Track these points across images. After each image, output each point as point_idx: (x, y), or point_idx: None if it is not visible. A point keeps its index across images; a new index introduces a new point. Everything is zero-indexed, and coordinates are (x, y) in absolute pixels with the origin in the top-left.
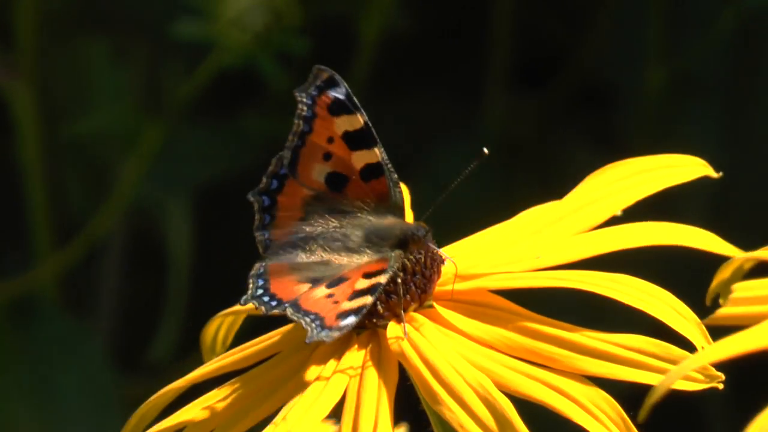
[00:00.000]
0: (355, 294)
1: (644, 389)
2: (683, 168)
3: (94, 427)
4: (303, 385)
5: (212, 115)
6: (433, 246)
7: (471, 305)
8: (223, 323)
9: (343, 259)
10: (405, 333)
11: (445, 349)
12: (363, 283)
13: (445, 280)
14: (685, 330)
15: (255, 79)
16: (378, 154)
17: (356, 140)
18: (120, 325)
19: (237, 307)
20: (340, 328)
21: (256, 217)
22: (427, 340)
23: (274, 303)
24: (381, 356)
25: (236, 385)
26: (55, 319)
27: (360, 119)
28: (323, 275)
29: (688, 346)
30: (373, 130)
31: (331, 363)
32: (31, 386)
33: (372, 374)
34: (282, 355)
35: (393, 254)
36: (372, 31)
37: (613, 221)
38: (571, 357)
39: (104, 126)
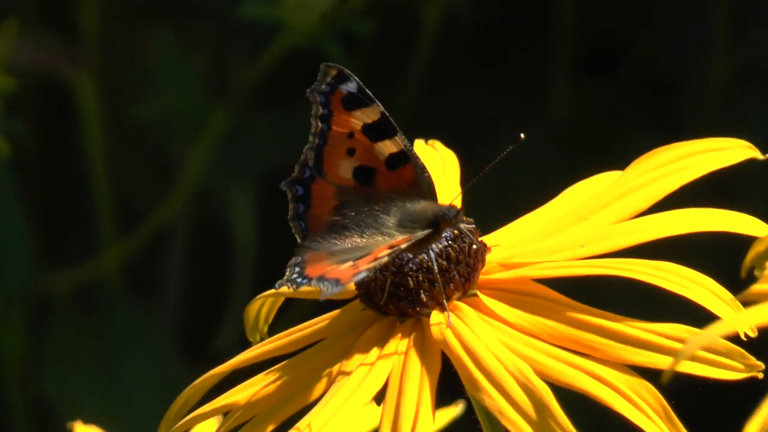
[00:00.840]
0: (375, 260)
1: (686, 379)
2: (728, 151)
3: (160, 414)
4: (347, 372)
5: (277, 103)
6: (466, 227)
7: (514, 294)
8: (265, 302)
9: (374, 242)
10: (448, 321)
11: (487, 337)
12: (384, 252)
13: (489, 269)
14: (727, 317)
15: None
16: (400, 142)
17: (376, 131)
18: (185, 314)
19: (278, 290)
20: (351, 281)
21: (290, 206)
22: (470, 329)
23: (303, 281)
24: (424, 344)
25: (281, 371)
26: (121, 307)
27: (376, 110)
28: (354, 256)
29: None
30: (390, 119)
31: (375, 350)
32: (97, 374)
33: (415, 361)
34: (327, 341)
35: (422, 233)
36: (433, 16)
37: (658, 207)
38: (612, 346)
39: (168, 111)
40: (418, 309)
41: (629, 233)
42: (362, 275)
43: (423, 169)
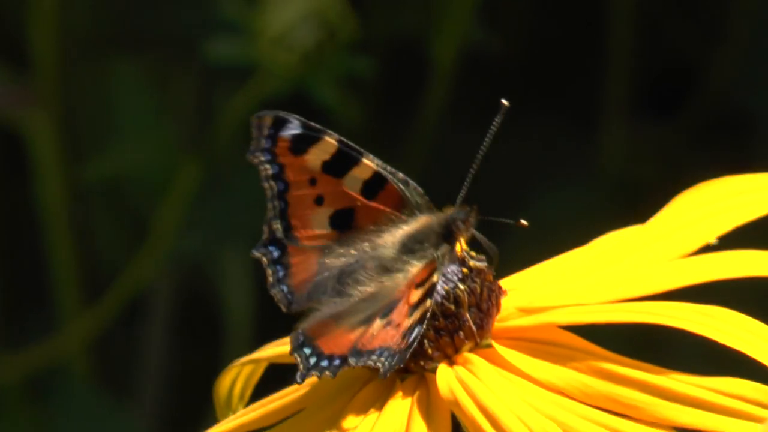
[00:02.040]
0: (413, 308)
1: None
2: None
3: None
4: None
5: None
6: (478, 265)
7: (537, 343)
8: (240, 374)
9: (386, 283)
10: (458, 377)
11: (507, 395)
12: (417, 294)
13: (506, 315)
14: None
15: (315, 105)
16: (369, 164)
17: (339, 165)
18: (165, 401)
19: (257, 355)
20: (409, 346)
21: (268, 272)
22: (485, 385)
23: (336, 363)
24: (430, 405)
25: None
26: (85, 394)
27: (331, 141)
28: (373, 309)
29: None
30: (349, 143)
31: (372, 415)
32: None
33: (420, 426)
34: (313, 406)
35: (439, 251)
36: (449, 50)
37: (706, 250)
38: (656, 404)
39: (138, 162)
40: (422, 363)
41: (672, 275)
42: (416, 332)
43: (406, 181)
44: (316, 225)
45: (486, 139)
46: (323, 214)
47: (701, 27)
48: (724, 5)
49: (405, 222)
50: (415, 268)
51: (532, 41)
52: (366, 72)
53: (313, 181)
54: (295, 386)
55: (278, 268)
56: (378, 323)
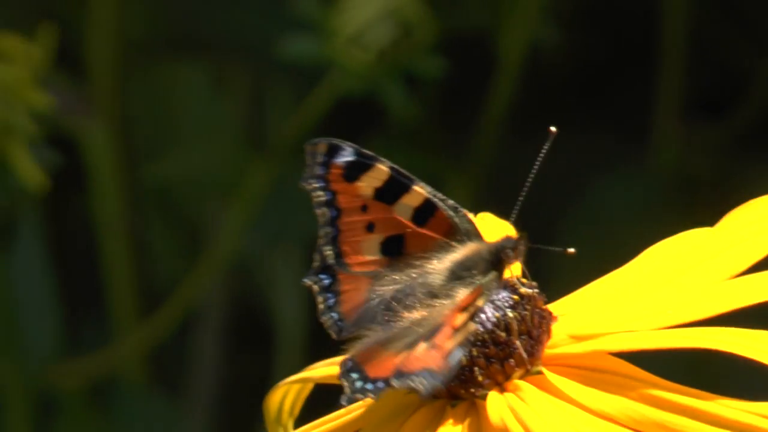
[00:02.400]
0: (456, 331)
1: None
2: None
3: None
4: None
5: None
6: (529, 292)
7: (587, 371)
8: (289, 391)
9: (433, 309)
10: (508, 404)
11: (557, 422)
12: (462, 317)
13: (556, 342)
14: None
15: (376, 106)
16: (420, 191)
17: (391, 192)
18: (219, 410)
19: (305, 374)
20: (450, 367)
21: (318, 300)
22: (535, 412)
23: (380, 385)
24: (480, 431)
25: None
26: (143, 402)
27: (383, 168)
28: (419, 334)
29: None
30: (401, 170)
31: None
32: None
33: None
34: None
35: (486, 278)
36: (515, 49)
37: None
38: (708, 431)
39: (197, 168)
40: (472, 390)
41: (724, 297)
42: (458, 354)
43: (456, 208)
44: (367, 251)
45: (536, 163)
46: (374, 240)
47: (752, 32)
48: None
49: (454, 249)
50: (462, 294)
51: (592, 43)
52: (438, 72)
53: (364, 208)
54: (347, 408)
55: (329, 295)
56: (422, 346)
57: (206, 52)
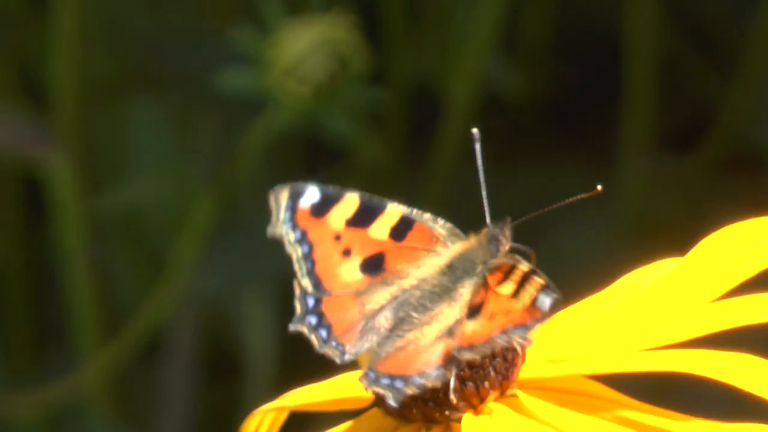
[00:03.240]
0: (518, 288)
1: None
2: None
3: None
4: None
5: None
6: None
7: (562, 393)
8: (264, 419)
9: (443, 306)
10: (483, 427)
11: None
12: (517, 274)
13: (531, 365)
14: None
15: (335, 143)
16: (395, 210)
17: (363, 218)
18: None
19: (280, 402)
20: (543, 313)
21: (312, 338)
22: None
23: (417, 380)
24: None
25: None
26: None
27: (352, 199)
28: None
29: None
30: (371, 196)
31: None
32: None
33: None
34: None
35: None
36: (464, 91)
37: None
38: None
39: (155, 196)
40: (447, 413)
41: (699, 321)
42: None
43: (434, 218)
44: (347, 275)
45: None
46: (352, 263)
47: (718, 66)
48: (739, 44)
49: (444, 252)
50: (469, 287)
51: (550, 78)
52: (379, 104)
53: (338, 237)
54: None
55: (321, 331)
56: (470, 324)
57: (164, 88)
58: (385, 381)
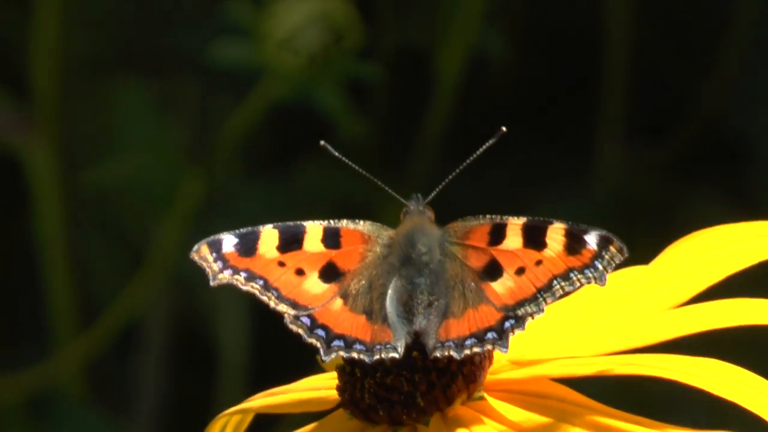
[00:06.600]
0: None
1: None
2: None
3: None
4: None
5: (270, 163)
6: None
7: (530, 396)
8: (229, 422)
9: (440, 277)
10: (451, 430)
11: None
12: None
13: (498, 368)
14: None
15: (319, 120)
16: (314, 226)
17: (290, 244)
18: (160, 428)
19: (246, 405)
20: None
21: (354, 354)
22: None
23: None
24: None
25: None
26: (81, 418)
27: (269, 231)
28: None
29: None
30: (286, 225)
31: None
32: None
33: None
34: None
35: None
36: (453, 66)
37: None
38: None
39: (134, 179)
40: (414, 415)
41: (664, 325)
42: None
43: (354, 221)
44: (314, 289)
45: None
46: (311, 279)
47: (697, 52)
48: (717, 33)
49: (389, 238)
50: (446, 256)
51: (531, 63)
52: (372, 78)
53: (281, 264)
54: None
55: (320, 331)
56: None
57: (149, 70)
58: (468, 342)
